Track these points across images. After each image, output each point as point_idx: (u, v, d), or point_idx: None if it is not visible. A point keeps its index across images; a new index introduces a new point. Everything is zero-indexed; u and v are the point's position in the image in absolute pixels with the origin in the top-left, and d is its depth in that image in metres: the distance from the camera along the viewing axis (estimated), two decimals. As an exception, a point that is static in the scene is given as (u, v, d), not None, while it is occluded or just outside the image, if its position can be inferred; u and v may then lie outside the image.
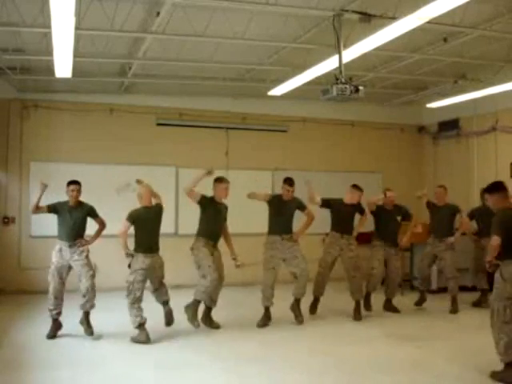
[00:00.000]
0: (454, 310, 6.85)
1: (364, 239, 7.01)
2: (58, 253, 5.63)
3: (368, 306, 6.78)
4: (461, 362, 4.80)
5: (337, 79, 5.56)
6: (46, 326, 5.63)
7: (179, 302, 6.08)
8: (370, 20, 5.37)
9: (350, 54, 5.88)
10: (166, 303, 5.77)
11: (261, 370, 4.70)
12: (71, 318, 5.77)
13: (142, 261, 5.52)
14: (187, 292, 6.06)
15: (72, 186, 5.81)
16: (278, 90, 7.79)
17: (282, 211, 6.28)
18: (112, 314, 5.86)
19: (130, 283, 5.52)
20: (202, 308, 6.01)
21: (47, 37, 5.60)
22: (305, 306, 6.50)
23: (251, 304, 6.28)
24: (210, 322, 6.03)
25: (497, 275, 4.30)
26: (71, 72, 6.33)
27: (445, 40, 6.52)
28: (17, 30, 5.75)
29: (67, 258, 5.63)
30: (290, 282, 6.30)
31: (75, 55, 5.72)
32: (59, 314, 5.63)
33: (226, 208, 6.20)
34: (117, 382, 4.46)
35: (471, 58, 7.29)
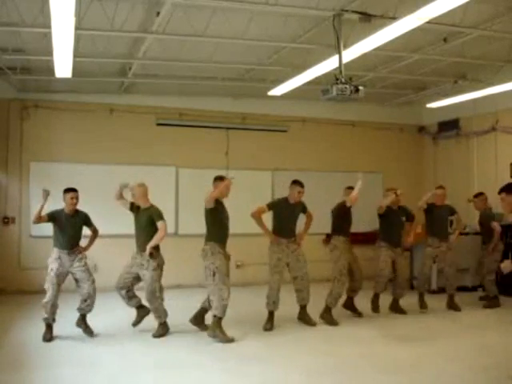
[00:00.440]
0: (454, 307, 6.91)
1: (364, 239, 7.00)
2: (56, 260, 5.55)
3: (376, 308, 6.76)
4: (461, 361, 4.79)
5: (337, 79, 5.56)
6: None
7: (179, 301, 6.09)
8: (370, 20, 5.38)
9: (350, 54, 5.88)
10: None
11: (261, 370, 4.70)
12: (71, 318, 5.77)
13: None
14: (187, 292, 6.07)
15: (71, 194, 5.65)
16: (278, 90, 7.79)
17: (288, 215, 6.22)
18: (112, 314, 5.87)
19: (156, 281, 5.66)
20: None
21: (47, 37, 5.59)
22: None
23: (251, 304, 6.27)
24: (201, 323, 5.97)
25: None
26: (71, 72, 6.33)
27: (445, 40, 6.53)
28: (17, 29, 5.75)
29: (67, 265, 5.59)
30: (288, 282, 6.30)
31: (75, 55, 5.72)
32: (54, 320, 5.56)
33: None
34: (117, 381, 4.45)
35: (471, 58, 7.29)
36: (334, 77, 5.65)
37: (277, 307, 6.13)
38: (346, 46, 5.71)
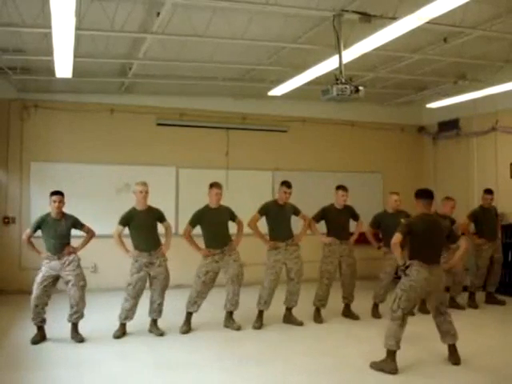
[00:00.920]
0: (457, 307, 6.92)
1: (364, 239, 6.97)
2: (47, 264, 5.48)
3: (376, 315, 6.74)
4: (462, 361, 4.78)
5: (337, 79, 5.56)
6: (46, 326, 5.61)
7: (179, 302, 6.09)
8: (370, 20, 5.37)
9: (350, 54, 5.87)
10: None
11: (261, 370, 4.71)
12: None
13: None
14: (187, 292, 6.07)
15: (54, 197, 5.48)
16: (278, 90, 7.79)
17: (280, 216, 6.26)
18: (112, 314, 5.85)
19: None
20: (200, 312, 6.02)
21: (47, 37, 5.59)
22: (302, 308, 6.52)
23: (251, 304, 6.28)
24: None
25: None
26: (71, 72, 6.32)
27: (445, 40, 6.52)
28: (17, 30, 5.74)
29: (57, 268, 5.48)
30: (283, 282, 6.33)
31: (75, 55, 5.71)
32: (43, 321, 5.51)
33: (227, 209, 6.19)
34: (117, 381, 4.46)
35: (471, 58, 7.29)
36: (334, 77, 5.64)
37: (268, 307, 6.20)
38: (346, 46, 5.71)
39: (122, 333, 5.72)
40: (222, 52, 6.89)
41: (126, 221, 5.78)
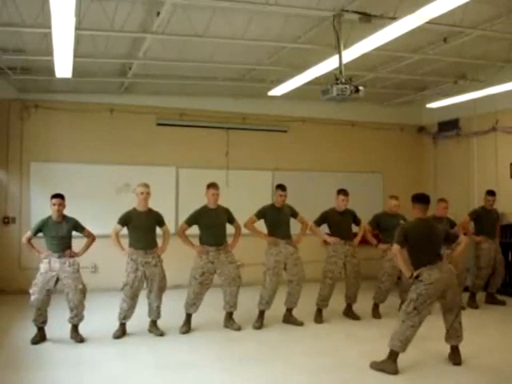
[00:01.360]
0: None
1: (364, 240, 6.96)
2: (46, 264, 5.46)
3: (376, 316, 6.74)
4: (462, 361, 4.79)
5: (337, 79, 5.55)
6: (46, 326, 5.60)
7: (179, 302, 6.09)
8: (370, 20, 5.36)
9: (350, 54, 5.87)
10: None
11: (261, 370, 4.71)
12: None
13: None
14: (186, 292, 6.07)
15: (54, 200, 5.48)
16: (278, 90, 7.78)
17: (278, 218, 6.28)
18: (112, 314, 5.85)
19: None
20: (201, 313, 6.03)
21: (47, 37, 5.59)
22: (302, 309, 6.52)
23: (251, 304, 6.28)
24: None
25: None
26: (71, 72, 6.32)
27: (445, 40, 6.51)
28: (17, 30, 5.73)
29: (56, 268, 5.45)
30: (284, 282, 6.34)
31: (75, 55, 5.71)
32: (44, 322, 5.50)
33: (226, 211, 6.18)
34: (117, 382, 4.46)
35: (471, 58, 7.28)
36: (333, 77, 5.64)
37: (269, 307, 6.22)
38: (346, 46, 5.70)
39: (121, 333, 5.72)
40: (222, 52, 6.88)
41: (124, 221, 5.78)
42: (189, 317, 6.02)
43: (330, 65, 6.22)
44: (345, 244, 6.53)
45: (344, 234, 6.56)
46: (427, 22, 5.05)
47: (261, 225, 6.40)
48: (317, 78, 6.92)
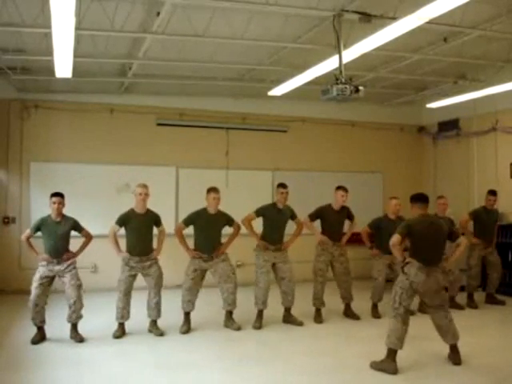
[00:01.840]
0: (457, 307, 6.90)
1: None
2: (45, 265, 5.48)
3: (376, 315, 6.74)
4: (462, 361, 4.79)
5: (337, 79, 5.55)
6: (46, 326, 5.61)
7: (178, 302, 6.09)
8: (370, 20, 5.37)
9: (350, 54, 5.87)
10: None
11: (261, 370, 4.71)
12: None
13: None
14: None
15: (54, 199, 5.47)
16: (278, 90, 7.79)
17: (276, 221, 6.29)
18: (112, 314, 5.85)
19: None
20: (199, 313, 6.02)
21: (47, 37, 5.59)
22: (302, 309, 6.51)
23: (251, 304, 6.28)
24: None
25: None
26: (71, 72, 6.32)
27: (445, 40, 6.52)
28: (17, 30, 5.74)
29: (55, 270, 5.50)
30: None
31: (75, 55, 5.71)
32: (43, 321, 5.50)
33: (225, 215, 6.15)
34: (117, 381, 4.46)
35: (471, 58, 7.29)
36: (333, 77, 5.64)
37: (266, 306, 6.22)
38: (346, 46, 5.71)
39: (121, 333, 5.73)
40: (222, 52, 6.89)
41: (122, 221, 5.78)
42: (187, 316, 6.02)
43: (329, 65, 6.22)
44: (333, 244, 6.56)
45: (335, 234, 6.57)
46: (427, 22, 5.05)
47: (258, 223, 6.39)
48: (317, 78, 6.92)
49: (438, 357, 4.95)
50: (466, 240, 5.12)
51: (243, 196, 8.62)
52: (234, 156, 9.40)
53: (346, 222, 6.79)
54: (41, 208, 6.47)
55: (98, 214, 7.85)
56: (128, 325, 5.84)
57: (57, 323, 5.79)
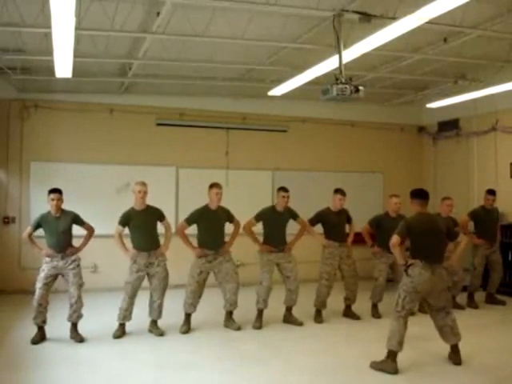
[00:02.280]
0: (457, 307, 6.89)
1: (363, 240, 6.96)
2: (49, 262, 5.50)
3: (376, 315, 6.74)
4: (462, 361, 4.79)
5: (337, 79, 5.55)
6: (46, 326, 5.60)
7: (178, 302, 6.09)
8: (370, 20, 5.36)
9: (350, 54, 5.87)
10: None
11: (261, 370, 4.71)
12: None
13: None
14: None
15: (52, 195, 5.52)
16: (278, 90, 7.78)
17: (277, 224, 6.29)
18: (112, 314, 5.85)
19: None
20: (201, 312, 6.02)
21: (47, 37, 5.59)
22: (302, 309, 6.51)
23: (251, 304, 6.28)
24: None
25: None
26: (71, 72, 6.32)
27: (445, 40, 6.51)
28: (17, 30, 5.74)
29: (59, 267, 5.51)
30: (282, 283, 6.36)
31: (75, 55, 5.71)
32: (44, 321, 5.51)
33: (226, 211, 6.18)
34: (117, 381, 4.46)
35: (471, 58, 7.28)
36: (334, 77, 5.64)
37: (266, 305, 6.23)
38: (346, 46, 5.70)
39: (121, 333, 5.73)
40: (222, 52, 6.89)
41: (125, 221, 5.79)
42: (188, 316, 6.03)
43: (329, 65, 6.22)
44: (340, 246, 6.55)
45: (339, 236, 6.58)
46: (427, 22, 5.05)
47: (258, 228, 6.40)
48: (317, 78, 6.92)
49: (438, 357, 4.96)
50: (466, 239, 5.13)
51: (243, 196, 8.63)
52: (234, 156, 9.40)
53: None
54: (41, 208, 6.42)
55: (98, 213, 7.81)
56: (128, 325, 5.84)
57: (57, 323, 5.79)
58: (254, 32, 6.06)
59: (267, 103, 9.29)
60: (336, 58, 5.77)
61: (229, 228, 6.25)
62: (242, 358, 5.05)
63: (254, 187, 9.22)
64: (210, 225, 6.02)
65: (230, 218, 6.21)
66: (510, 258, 8.11)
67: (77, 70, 6.55)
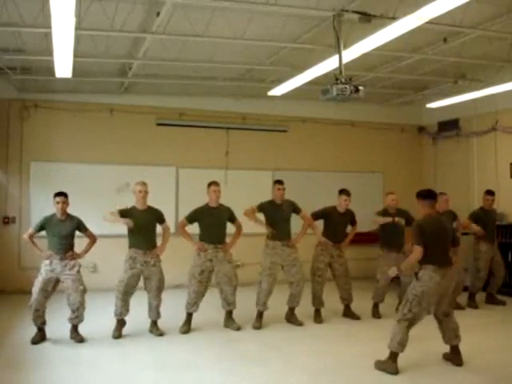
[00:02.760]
0: (457, 307, 6.89)
1: (363, 239, 6.97)
2: (48, 265, 5.45)
3: (376, 315, 6.73)
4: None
5: (337, 79, 5.55)
6: (46, 326, 5.60)
7: (179, 302, 6.09)
8: (370, 20, 5.37)
9: (350, 53, 5.87)
10: None
11: (261, 370, 4.71)
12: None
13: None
14: (186, 292, 6.07)
15: (58, 198, 5.51)
16: (277, 90, 7.79)
17: (277, 216, 6.25)
18: (112, 314, 5.85)
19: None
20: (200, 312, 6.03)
21: (47, 37, 5.59)
22: (302, 309, 6.52)
23: (251, 304, 6.28)
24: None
25: None
26: (71, 72, 6.32)
27: (445, 40, 6.52)
28: (17, 30, 5.74)
29: (58, 271, 5.45)
30: (284, 283, 6.34)
31: (75, 55, 5.71)
32: (43, 323, 5.50)
33: (228, 209, 6.18)
34: (116, 382, 4.46)
35: (471, 58, 7.28)
36: (334, 77, 5.64)
37: (266, 308, 6.23)
38: (346, 46, 5.70)
39: (119, 330, 5.72)
40: (222, 52, 6.89)
41: (124, 215, 5.75)
42: (189, 316, 6.02)
43: (329, 65, 6.22)
44: (333, 246, 6.57)
45: (336, 236, 6.58)
46: (427, 22, 5.05)
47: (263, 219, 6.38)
48: (317, 78, 6.92)
49: (438, 357, 4.95)
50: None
51: (243, 196, 8.58)
52: (234, 156, 9.40)
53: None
54: (41, 208, 6.47)
55: (97, 213, 7.77)
56: (128, 325, 5.84)
57: (57, 323, 5.79)
58: (254, 32, 6.06)
59: (267, 103, 9.29)
60: (336, 58, 5.77)
61: (230, 228, 6.24)
62: (241, 358, 5.05)
63: (254, 187, 9.19)
64: (211, 222, 6.01)
65: (232, 217, 6.19)
66: (510, 258, 8.11)
67: (77, 70, 6.55)
